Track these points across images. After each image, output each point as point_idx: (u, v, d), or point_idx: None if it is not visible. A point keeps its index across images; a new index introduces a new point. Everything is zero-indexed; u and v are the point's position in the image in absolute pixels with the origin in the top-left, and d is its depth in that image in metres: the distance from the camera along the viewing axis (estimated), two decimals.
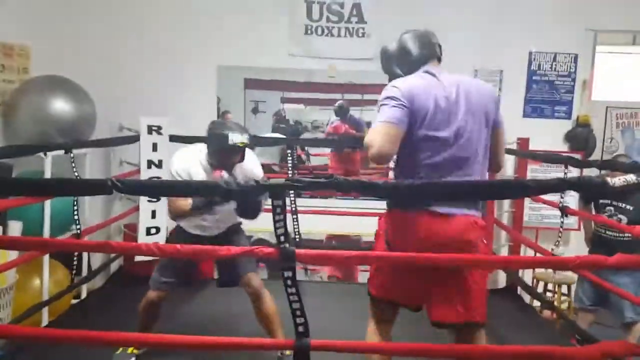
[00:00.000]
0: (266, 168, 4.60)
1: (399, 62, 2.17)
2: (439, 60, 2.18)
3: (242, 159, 2.72)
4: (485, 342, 2.09)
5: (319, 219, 4.36)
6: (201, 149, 2.75)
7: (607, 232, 3.46)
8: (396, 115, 1.96)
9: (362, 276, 4.58)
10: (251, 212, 2.63)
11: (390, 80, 2.17)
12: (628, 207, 3.37)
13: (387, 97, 2.01)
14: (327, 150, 5.00)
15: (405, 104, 1.97)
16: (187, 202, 2.61)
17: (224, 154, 2.65)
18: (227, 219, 2.84)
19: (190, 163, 2.72)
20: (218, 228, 2.85)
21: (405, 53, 2.15)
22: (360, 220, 4.34)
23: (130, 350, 2.86)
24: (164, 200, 3.98)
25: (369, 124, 4.47)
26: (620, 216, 3.41)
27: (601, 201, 3.51)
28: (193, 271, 3.08)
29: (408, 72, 2.12)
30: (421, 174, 2.01)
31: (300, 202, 4.24)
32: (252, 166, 2.82)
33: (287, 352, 2.76)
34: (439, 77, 2.07)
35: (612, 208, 3.45)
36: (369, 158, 1.98)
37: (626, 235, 3.30)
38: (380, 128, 1.96)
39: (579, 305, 3.64)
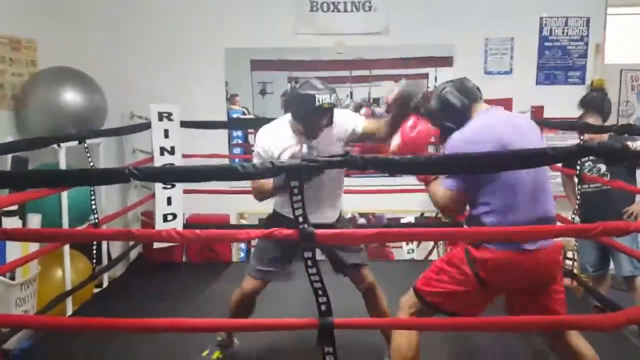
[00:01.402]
0: None
1: (447, 116, 2.20)
2: (481, 99, 2.23)
3: (330, 121, 2.43)
4: None
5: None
6: (286, 120, 2.50)
7: (590, 186, 3.49)
8: (462, 182, 2.06)
9: (396, 254, 4.59)
10: None
11: (440, 130, 2.23)
12: None
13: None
14: None
15: None
16: (268, 181, 2.36)
17: (309, 118, 2.37)
18: (336, 198, 2.57)
19: (272, 138, 2.46)
20: (334, 210, 2.57)
21: (450, 108, 2.18)
22: (379, 197, 4.33)
23: (215, 355, 2.80)
24: (179, 186, 4.01)
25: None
26: (598, 166, 3.46)
27: None
28: (293, 258, 2.60)
29: (459, 123, 2.15)
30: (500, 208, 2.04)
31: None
32: (345, 120, 2.53)
33: None
34: (492, 114, 2.15)
35: (590, 162, 3.49)
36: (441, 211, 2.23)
37: (607, 186, 3.37)
38: (451, 194, 2.09)
39: (585, 274, 3.66)
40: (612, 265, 3.55)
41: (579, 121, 3.54)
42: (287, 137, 2.47)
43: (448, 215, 2.18)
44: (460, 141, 2.05)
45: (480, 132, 2.06)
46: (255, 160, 2.43)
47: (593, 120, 3.44)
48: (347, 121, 2.54)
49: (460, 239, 2.01)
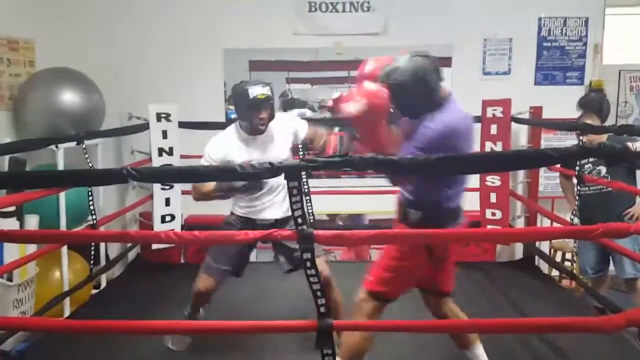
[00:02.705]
0: None
1: (418, 94, 2.04)
2: None
3: (271, 115, 2.60)
4: None
5: (328, 199, 4.36)
6: (235, 125, 2.70)
7: (590, 188, 3.47)
8: None
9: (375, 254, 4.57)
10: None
11: (402, 107, 2.08)
12: None
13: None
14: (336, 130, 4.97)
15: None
16: (209, 184, 2.55)
17: (249, 112, 2.56)
18: (284, 202, 2.65)
19: (223, 144, 2.64)
20: (275, 213, 2.69)
21: (424, 84, 2.03)
22: (379, 198, 4.31)
23: None
24: (177, 187, 3.99)
25: None
26: (599, 168, 3.43)
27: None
28: (245, 261, 2.80)
29: (430, 104, 2.05)
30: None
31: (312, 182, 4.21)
32: (288, 124, 2.74)
33: None
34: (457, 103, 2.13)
35: (590, 165, 3.47)
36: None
37: (608, 188, 3.35)
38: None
39: (585, 276, 3.65)
40: (611, 267, 3.54)
41: (578, 122, 3.53)
42: (231, 144, 2.63)
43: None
44: (444, 125, 2.01)
45: (459, 121, 2.07)
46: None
47: (591, 121, 3.43)
48: (290, 124, 2.73)
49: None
